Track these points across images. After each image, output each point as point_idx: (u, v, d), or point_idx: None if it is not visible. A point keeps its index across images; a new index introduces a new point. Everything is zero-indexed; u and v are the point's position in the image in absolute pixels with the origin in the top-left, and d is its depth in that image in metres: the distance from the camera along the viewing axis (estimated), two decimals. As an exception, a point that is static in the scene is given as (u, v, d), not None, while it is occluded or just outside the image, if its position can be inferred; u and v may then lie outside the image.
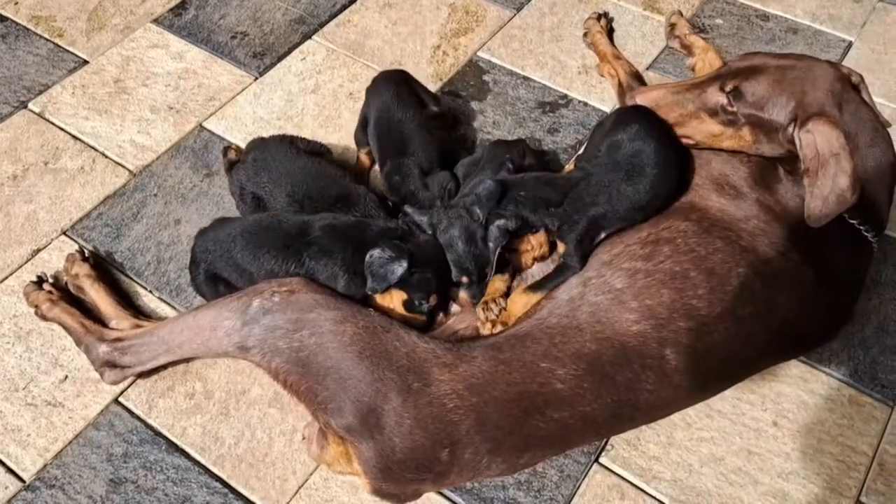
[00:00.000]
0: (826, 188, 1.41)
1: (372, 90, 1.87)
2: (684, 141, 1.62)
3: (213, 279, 1.57)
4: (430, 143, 1.78)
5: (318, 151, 1.80)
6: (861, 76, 1.57)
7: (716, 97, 1.54)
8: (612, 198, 1.51)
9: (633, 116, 1.60)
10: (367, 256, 1.46)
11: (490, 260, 1.51)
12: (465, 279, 1.54)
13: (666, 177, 1.54)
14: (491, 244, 1.49)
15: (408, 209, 1.60)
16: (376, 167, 1.86)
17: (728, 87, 1.52)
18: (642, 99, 1.60)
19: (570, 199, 1.52)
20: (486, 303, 1.53)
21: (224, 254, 1.54)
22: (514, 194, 1.51)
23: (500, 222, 1.48)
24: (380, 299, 1.52)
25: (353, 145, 1.95)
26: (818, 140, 1.42)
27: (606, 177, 1.53)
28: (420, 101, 1.87)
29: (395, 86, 1.84)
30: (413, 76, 1.92)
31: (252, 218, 1.61)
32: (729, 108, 1.52)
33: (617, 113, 1.64)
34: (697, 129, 1.58)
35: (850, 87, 1.52)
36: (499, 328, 1.51)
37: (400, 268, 1.45)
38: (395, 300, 1.51)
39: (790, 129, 1.47)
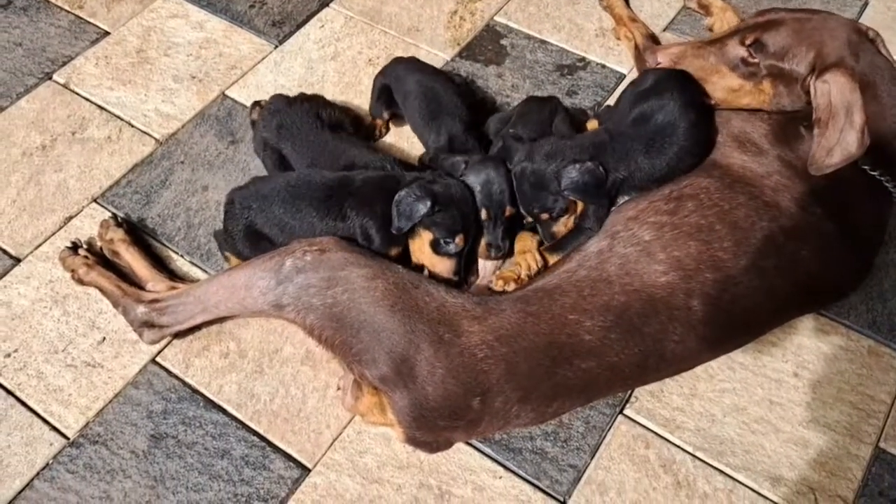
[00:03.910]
0: (833, 140, 1.43)
1: (401, 70, 1.90)
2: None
3: (255, 235, 1.60)
4: (468, 108, 1.83)
5: (340, 124, 1.82)
6: (877, 32, 1.58)
7: (736, 50, 1.56)
8: (629, 167, 1.54)
9: (671, 88, 1.58)
10: (396, 196, 1.52)
11: (506, 202, 1.57)
12: (484, 214, 1.58)
13: (688, 156, 1.56)
14: (565, 186, 1.52)
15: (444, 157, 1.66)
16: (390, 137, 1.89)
17: (749, 40, 1.54)
18: (662, 56, 1.62)
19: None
20: (525, 257, 1.57)
21: (266, 209, 1.58)
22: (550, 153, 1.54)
23: (578, 167, 1.50)
24: (412, 245, 1.56)
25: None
26: (833, 90, 1.44)
27: (626, 145, 1.54)
28: (446, 75, 1.94)
29: (422, 64, 1.92)
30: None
31: (294, 173, 1.65)
32: (750, 60, 1.55)
33: (657, 76, 1.63)
34: (718, 85, 1.60)
35: (866, 39, 1.54)
36: (511, 286, 1.54)
37: (423, 206, 1.50)
38: (424, 241, 1.55)
39: (809, 79, 1.49)
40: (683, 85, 1.59)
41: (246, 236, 1.61)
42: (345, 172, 1.61)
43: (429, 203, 1.50)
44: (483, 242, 1.62)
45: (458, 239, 1.54)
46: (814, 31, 1.50)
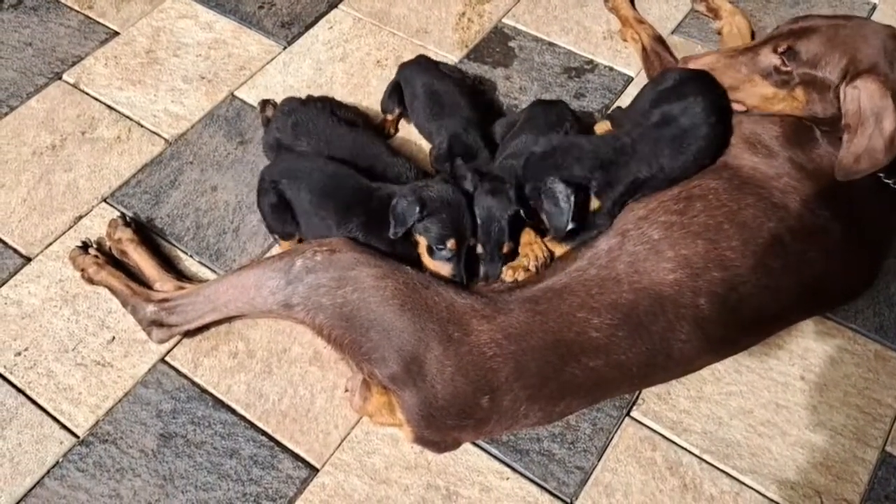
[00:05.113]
0: (861, 146, 1.43)
1: (410, 70, 1.91)
2: (737, 107, 1.63)
3: (284, 205, 1.64)
4: (473, 108, 1.84)
5: (354, 121, 1.83)
6: None
7: (769, 58, 1.55)
8: (652, 167, 1.54)
9: (695, 90, 1.58)
10: (392, 203, 1.53)
11: (505, 239, 1.56)
12: (480, 249, 1.58)
13: (704, 158, 1.56)
14: (563, 203, 1.51)
15: (459, 165, 1.68)
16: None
17: (782, 48, 1.53)
18: (695, 65, 1.62)
19: (616, 164, 1.54)
20: (532, 247, 1.58)
21: (295, 188, 1.62)
22: (573, 154, 1.54)
23: (562, 187, 1.50)
24: (420, 251, 1.58)
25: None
26: (863, 97, 1.43)
27: (654, 150, 1.54)
28: (454, 77, 1.95)
29: (433, 65, 1.93)
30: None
31: (332, 166, 1.65)
32: (783, 68, 1.54)
33: (678, 76, 1.64)
34: (751, 93, 1.60)
35: None
36: (522, 274, 1.54)
37: (413, 210, 1.51)
38: (422, 248, 1.57)
39: (840, 85, 1.48)
40: (708, 87, 1.59)
41: (276, 203, 1.64)
42: (368, 184, 1.62)
43: (417, 208, 1.51)
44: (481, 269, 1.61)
45: (450, 243, 1.54)
46: (847, 38, 1.49)
